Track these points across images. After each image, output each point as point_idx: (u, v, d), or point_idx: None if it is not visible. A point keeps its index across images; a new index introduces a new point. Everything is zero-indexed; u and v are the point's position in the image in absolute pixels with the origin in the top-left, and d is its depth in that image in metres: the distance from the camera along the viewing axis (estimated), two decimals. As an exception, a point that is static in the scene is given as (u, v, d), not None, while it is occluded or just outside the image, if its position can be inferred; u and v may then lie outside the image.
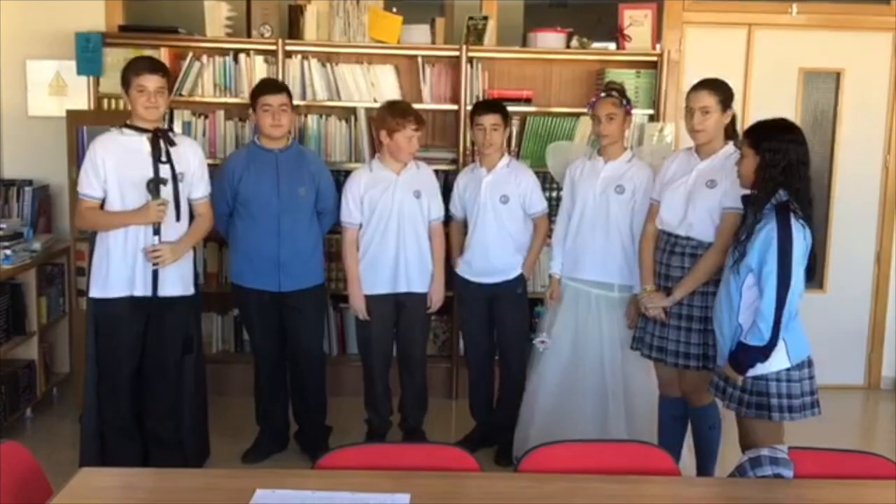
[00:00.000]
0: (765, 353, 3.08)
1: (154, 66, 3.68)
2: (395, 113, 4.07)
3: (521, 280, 4.24)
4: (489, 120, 4.12)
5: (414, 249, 4.16)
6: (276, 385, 4.31)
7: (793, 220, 3.03)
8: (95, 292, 3.73)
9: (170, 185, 3.67)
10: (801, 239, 3.03)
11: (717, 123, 3.57)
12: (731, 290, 3.18)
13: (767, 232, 3.04)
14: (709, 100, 3.54)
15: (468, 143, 5.02)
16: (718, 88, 3.58)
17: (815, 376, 3.21)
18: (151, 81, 3.61)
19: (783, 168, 3.07)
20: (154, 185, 3.62)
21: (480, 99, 4.97)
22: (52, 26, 5.01)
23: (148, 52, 4.84)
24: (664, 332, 3.68)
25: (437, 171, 4.68)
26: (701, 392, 3.67)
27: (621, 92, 4.02)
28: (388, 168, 4.14)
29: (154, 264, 3.66)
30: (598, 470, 2.49)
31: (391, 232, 4.11)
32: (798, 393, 3.14)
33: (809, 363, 3.19)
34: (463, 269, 4.31)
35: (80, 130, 4.69)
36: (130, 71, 3.65)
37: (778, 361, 3.12)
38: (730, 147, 3.59)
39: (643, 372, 4.00)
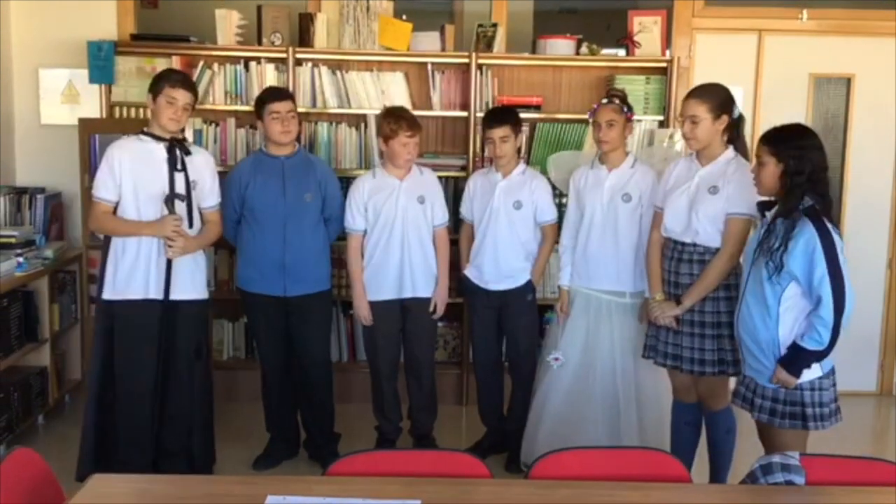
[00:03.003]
0: (821, 357, 3.06)
1: (189, 83, 3.79)
2: (388, 120, 4.09)
3: (530, 286, 4.24)
4: (498, 133, 4.13)
5: (419, 254, 4.17)
6: (283, 391, 4.31)
7: (828, 225, 3.03)
8: (109, 294, 3.76)
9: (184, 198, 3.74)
10: (839, 242, 3.03)
11: (708, 131, 3.54)
12: (768, 299, 3.13)
13: (807, 239, 3.01)
14: (697, 108, 3.52)
15: (478, 150, 5.03)
16: (707, 96, 3.55)
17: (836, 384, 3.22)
18: (183, 96, 3.70)
19: (808, 174, 3.06)
20: (171, 200, 3.69)
21: (490, 106, 4.98)
22: (64, 35, 5.05)
23: (159, 60, 4.89)
24: (678, 339, 3.66)
25: (446, 178, 4.69)
26: (717, 396, 3.67)
27: (622, 99, 4.02)
28: (392, 174, 4.16)
29: (167, 252, 3.70)
30: (609, 477, 2.49)
31: (396, 238, 4.13)
32: (828, 400, 3.14)
33: (833, 371, 3.18)
34: (472, 274, 4.31)
35: (92, 138, 4.73)
36: (165, 80, 3.72)
37: (812, 371, 3.11)
38: (730, 152, 3.58)
39: (653, 379, 3.99)
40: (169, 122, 3.70)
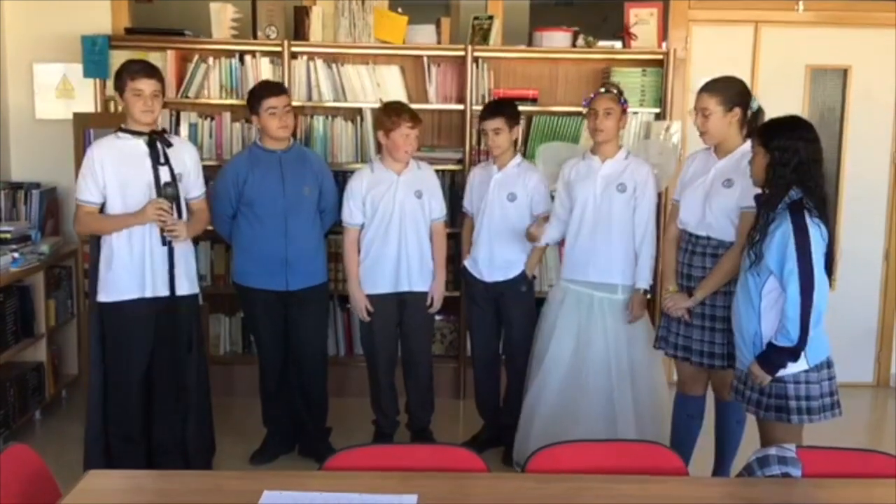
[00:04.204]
0: (794, 353, 3.05)
1: (149, 69, 3.71)
2: (389, 112, 4.10)
3: (523, 278, 4.24)
4: (491, 125, 4.15)
5: (415, 249, 4.18)
6: (281, 386, 4.31)
7: (808, 219, 2.99)
8: (103, 297, 3.74)
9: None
10: (817, 237, 3.00)
11: (719, 124, 3.55)
12: (751, 292, 3.14)
13: (783, 232, 3.01)
14: (707, 101, 3.54)
15: (474, 143, 5.02)
16: (719, 89, 3.55)
17: (836, 377, 3.18)
18: (147, 85, 3.64)
19: (794, 166, 3.04)
20: (165, 187, 3.67)
21: (486, 99, 4.97)
22: (58, 29, 5.03)
23: (154, 55, 4.86)
24: (689, 331, 3.67)
25: (443, 172, 4.68)
26: (730, 386, 3.66)
27: (619, 91, 4.02)
28: (389, 169, 4.16)
29: (169, 240, 3.69)
30: (606, 470, 2.49)
31: (393, 232, 4.13)
32: (817, 394, 3.12)
33: (829, 364, 3.15)
34: (470, 265, 4.32)
35: (87, 133, 4.71)
36: (126, 74, 3.66)
37: (796, 364, 3.09)
38: (746, 145, 3.54)
39: (648, 372, 4.00)
40: (142, 114, 3.65)
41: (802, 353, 3.07)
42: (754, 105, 3.59)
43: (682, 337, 3.70)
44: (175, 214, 3.72)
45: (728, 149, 3.59)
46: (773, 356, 3.09)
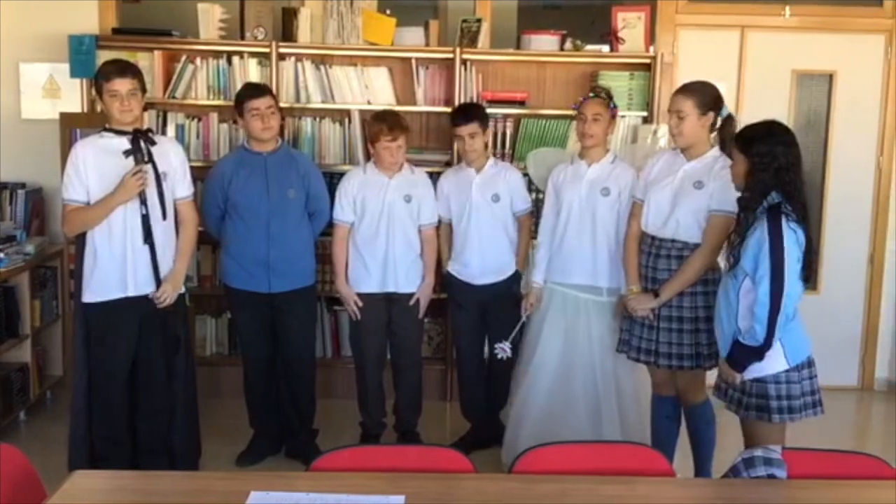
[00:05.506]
0: (759, 353, 3.08)
1: (123, 69, 3.66)
2: (372, 123, 4.13)
3: (516, 278, 4.26)
4: (466, 130, 4.17)
5: (403, 251, 4.19)
6: (267, 387, 4.30)
7: (784, 222, 3.01)
8: (88, 297, 3.72)
9: (153, 182, 3.67)
10: (793, 241, 3.02)
11: (693, 127, 3.56)
12: (730, 294, 3.18)
13: (759, 235, 3.04)
14: (683, 104, 3.55)
15: (461, 146, 5.03)
16: (695, 92, 3.58)
17: (817, 376, 3.21)
18: (122, 85, 3.60)
19: (774, 171, 3.06)
20: (133, 153, 3.62)
21: (475, 101, 4.97)
22: (45, 29, 5.01)
23: (141, 55, 4.86)
24: (652, 334, 3.67)
25: (430, 174, 4.70)
26: (696, 390, 3.69)
27: (609, 95, 4.03)
28: (382, 172, 4.17)
29: (163, 306, 3.72)
30: (592, 471, 2.50)
31: (381, 234, 4.15)
32: (798, 393, 3.14)
33: (810, 363, 3.19)
34: (457, 270, 4.32)
35: (73, 133, 4.70)
36: (101, 77, 3.64)
37: (776, 363, 3.12)
38: (716, 150, 3.59)
39: (632, 375, 4.01)
40: (120, 114, 3.61)
41: (782, 354, 3.11)
42: (724, 112, 3.61)
43: (645, 340, 3.70)
44: (161, 213, 3.69)
45: (698, 152, 3.60)
46: (739, 354, 3.13)
